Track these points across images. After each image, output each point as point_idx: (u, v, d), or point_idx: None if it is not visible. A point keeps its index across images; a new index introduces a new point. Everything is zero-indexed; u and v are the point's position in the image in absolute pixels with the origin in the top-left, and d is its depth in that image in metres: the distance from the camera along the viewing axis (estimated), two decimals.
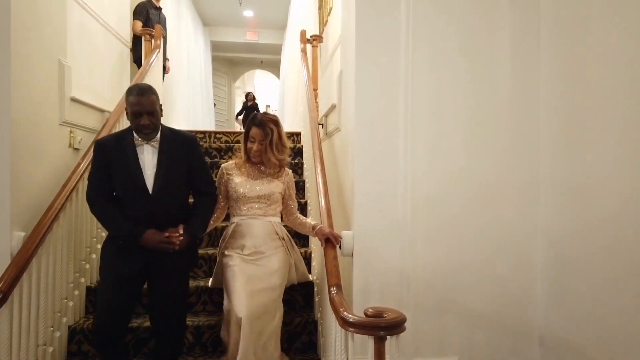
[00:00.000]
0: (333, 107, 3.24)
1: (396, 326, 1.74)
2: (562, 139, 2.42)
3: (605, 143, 2.12)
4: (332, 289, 2.10)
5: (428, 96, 2.49)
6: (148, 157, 2.13)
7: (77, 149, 3.01)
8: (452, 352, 2.51)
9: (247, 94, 11.64)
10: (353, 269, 2.44)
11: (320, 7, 5.39)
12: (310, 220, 2.50)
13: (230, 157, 4.42)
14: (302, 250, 3.25)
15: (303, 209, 3.79)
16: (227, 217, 2.56)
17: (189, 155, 2.23)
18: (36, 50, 2.55)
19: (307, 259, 3.24)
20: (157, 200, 2.12)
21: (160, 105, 2.16)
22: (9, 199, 2.27)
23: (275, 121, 2.36)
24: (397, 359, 1.76)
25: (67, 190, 2.60)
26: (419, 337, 2.48)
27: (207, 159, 4.27)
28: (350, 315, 1.78)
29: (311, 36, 4.78)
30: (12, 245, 2.27)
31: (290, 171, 2.52)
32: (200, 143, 4.54)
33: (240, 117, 11.25)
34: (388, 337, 1.74)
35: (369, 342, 1.73)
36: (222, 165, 2.47)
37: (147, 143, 2.14)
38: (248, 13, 9.36)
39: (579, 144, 2.33)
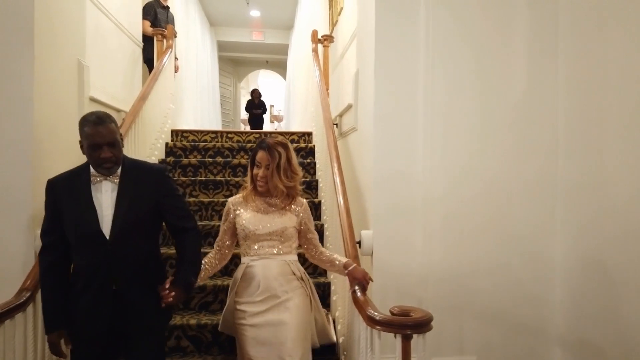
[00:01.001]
0: (349, 107, 3.25)
1: (423, 325, 1.76)
2: (579, 139, 2.43)
3: (623, 141, 2.12)
4: (355, 287, 2.12)
5: (446, 97, 2.50)
6: (106, 196, 1.77)
7: None
8: (470, 351, 2.52)
9: (253, 91, 11.21)
10: (372, 269, 2.46)
11: (331, 7, 5.41)
12: (339, 257, 2.19)
13: (242, 157, 4.44)
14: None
15: (317, 208, 3.80)
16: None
17: (157, 190, 1.84)
18: (57, 51, 2.57)
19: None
20: (117, 247, 1.74)
21: (121, 134, 1.84)
22: (31, 199, 2.29)
23: (284, 144, 2.08)
24: (424, 357, 1.76)
25: None
26: (437, 336, 2.49)
27: (219, 159, 4.30)
28: (377, 314, 1.80)
29: (322, 36, 4.79)
30: (36, 244, 2.29)
31: (305, 201, 2.18)
32: (212, 143, 4.58)
33: (247, 116, 11.05)
34: (414, 335, 1.76)
35: (386, 341, 1.75)
36: (229, 200, 2.17)
37: (106, 179, 1.78)
38: (255, 13, 9.37)
39: (596, 143, 2.34)
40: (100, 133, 1.73)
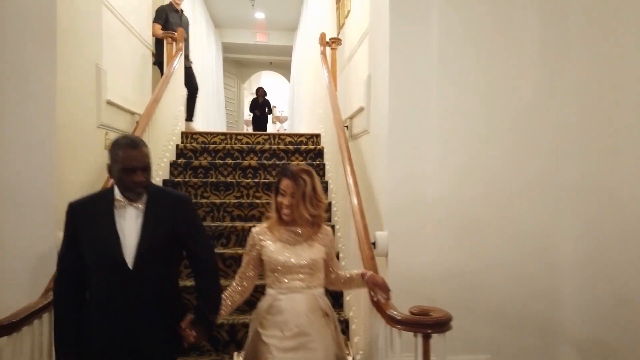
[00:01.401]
0: (360, 109, 3.29)
1: (443, 324, 1.80)
2: (591, 141, 2.48)
3: (635, 144, 2.17)
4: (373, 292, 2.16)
5: (457, 99, 2.55)
6: (130, 222, 1.72)
7: None
8: (482, 350, 2.56)
9: (258, 90, 10.88)
10: (388, 269, 2.50)
11: (338, 9, 5.45)
12: (353, 271, 2.14)
13: (252, 159, 4.49)
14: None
15: (327, 210, 3.85)
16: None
17: (180, 220, 1.79)
18: (77, 55, 2.62)
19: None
20: (139, 277, 1.69)
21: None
22: (53, 201, 2.34)
23: (308, 172, 2.00)
24: (444, 356, 1.81)
25: None
26: (450, 335, 2.53)
27: (229, 160, 4.34)
28: (397, 313, 1.84)
29: (330, 39, 4.83)
30: (59, 245, 2.33)
31: (330, 229, 2.10)
32: (222, 145, 4.63)
33: (251, 117, 10.77)
34: (433, 334, 1.80)
35: (403, 340, 1.79)
36: (253, 230, 2.06)
37: (130, 204, 1.73)
38: (259, 15, 9.42)
39: (608, 146, 2.38)
40: (134, 157, 1.70)
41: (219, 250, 3.35)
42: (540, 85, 2.56)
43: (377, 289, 2.00)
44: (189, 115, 5.78)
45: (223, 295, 1.96)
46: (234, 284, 2.04)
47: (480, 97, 2.54)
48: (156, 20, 4.95)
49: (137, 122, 3.55)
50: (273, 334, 1.88)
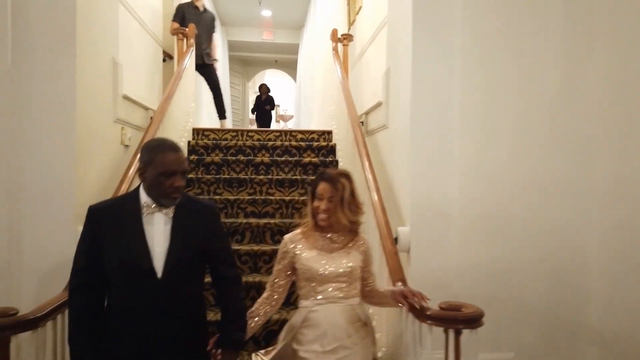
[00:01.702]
0: (378, 104, 3.26)
1: (475, 320, 1.77)
2: (616, 138, 2.44)
3: None
4: (398, 284, 2.14)
5: (482, 94, 2.52)
6: (159, 229, 1.64)
7: (127, 146, 3.06)
8: (507, 347, 2.53)
9: (261, 86, 10.60)
10: (410, 265, 2.47)
11: (348, 5, 5.42)
12: (381, 287, 2.05)
13: (264, 155, 4.46)
14: None
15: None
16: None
17: (208, 229, 1.74)
18: (94, 50, 2.60)
19: None
20: (169, 287, 1.61)
21: None
22: (73, 196, 2.31)
23: (347, 175, 1.93)
24: (476, 353, 1.77)
25: (123, 187, 2.63)
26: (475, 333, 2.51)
27: (242, 157, 4.31)
28: (427, 308, 1.81)
29: (342, 35, 4.80)
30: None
31: (367, 239, 2.01)
32: (234, 142, 4.60)
33: (254, 115, 10.56)
34: (464, 330, 1.77)
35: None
36: (285, 237, 1.98)
37: (160, 211, 1.64)
38: (266, 13, 9.39)
39: (634, 142, 2.34)
40: (178, 160, 1.62)
41: (234, 246, 3.32)
42: (566, 81, 2.53)
43: (414, 297, 1.86)
44: (221, 113, 5.88)
45: (253, 307, 1.89)
46: (265, 294, 1.94)
47: (505, 93, 2.51)
48: (174, 18, 4.98)
49: (151, 117, 3.53)
50: (312, 349, 1.78)
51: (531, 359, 2.53)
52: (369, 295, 1.99)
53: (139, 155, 1.70)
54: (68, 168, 2.28)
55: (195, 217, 1.70)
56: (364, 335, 1.85)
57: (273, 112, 11.29)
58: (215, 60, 5.65)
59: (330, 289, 1.84)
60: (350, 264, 1.86)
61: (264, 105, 10.50)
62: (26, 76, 2.26)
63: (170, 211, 1.65)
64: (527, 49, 2.52)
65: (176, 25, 4.85)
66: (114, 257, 1.58)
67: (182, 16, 5.02)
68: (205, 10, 5.40)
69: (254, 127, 11.19)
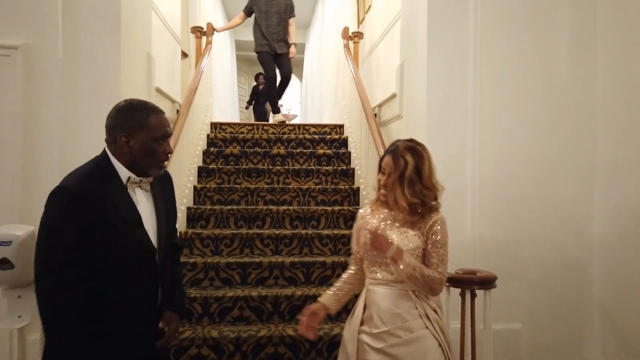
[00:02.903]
0: (392, 96, 3.47)
1: (489, 282, 1.99)
2: (620, 123, 2.65)
3: None
4: None
5: (493, 83, 2.73)
6: (144, 207, 1.47)
7: None
8: (515, 318, 2.74)
9: (257, 76, 9.55)
10: None
11: (358, 3, 5.63)
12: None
13: (279, 148, 4.67)
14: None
15: (355, 194, 4.03)
16: None
17: (172, 198, 1.63)
18: (132, 45, 2.81)
19: None
20: (164, 265, 1.51)
21: None
22: None
23: (415, 150, 1.67)
24: (490, 312, 1.98)
25: None
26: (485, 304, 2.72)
27: (258, 149, 4.52)
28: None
29: (353, 32, 5.01)
30: None
31: (440, 218, 1.70)
32: (250, 135, 4.82)
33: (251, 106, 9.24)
34: (479, 291, 1.98)
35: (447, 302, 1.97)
36: (359, 212, 1.83)
37: (139, 186, 1.47)
38: None
39: (636, 128, 2.55)
40: (167, 122, 1.48)
41: (257, 231, 3.54)
42: (572, 70, 2.74)
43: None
44: (275, 107, 5.53)
45: (338, 282, 1.78)
46: (346, 273, 1.81)
47: (515, 81, 2.72)
48: (243, 9, 5.16)
49: (177, 110, 3.74)
50: (363, 329, 1.67)
51: (537, 329, 2.74)
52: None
53: (110, 122, 1.44)
54: None
55: (163, 187, 1.58)
56: (419, 328, 1.60)
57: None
58: (292, 44, 5.27)
59: (381, 270, 1.68)
60: (406, 244, 1.63)
61: (262, 96, 9.11)
62: (75, 69, 2.48)
63: (148, 185, 1.50)
64: (541, 39, 2.73)
65: (241, 16, 5.12)
66: (112, 243, 1.38)
67: (250, 8, 5.13)
68: None
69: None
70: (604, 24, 2.72)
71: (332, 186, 4.12)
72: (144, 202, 1.47)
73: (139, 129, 1.40)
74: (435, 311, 1.65)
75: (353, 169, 4.31)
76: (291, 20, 5.28)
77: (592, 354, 2.72)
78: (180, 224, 3.44)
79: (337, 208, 3.80)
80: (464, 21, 2.68)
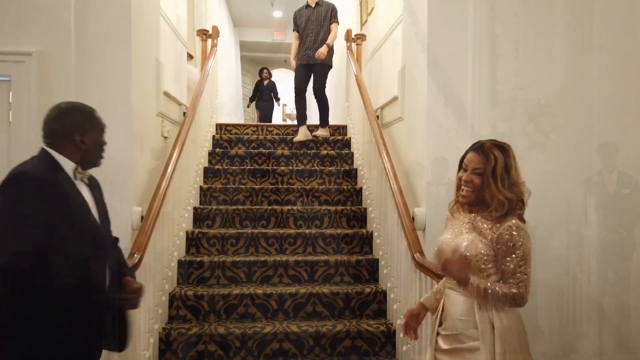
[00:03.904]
0: (394, 99, 3.54)
1: None
2: (612, 128, 2.72)
3: None
4: (416, 255, 2.44)
5: (490, 86, 2.79)
6: (87, 197, 1.58)
7: (166, 137, 3.37)
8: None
9: (261, 70, 9.36)
10: (425, 241, 2.75)
11: (361, 5, 5.70)
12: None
13: (284, 149, 4.76)
14: (367, 257, 3.45)
15: (358, 194, 4.12)
16: None
17: (102, 197, 1.70)
18: (142, 51, 2.90)
19: (373, 266, 3.38)
20: (108, 250, 1.65)
21: None
22: (131, 179, 2.62)
23: (502, 148, 1.63)
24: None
25: (167, 175, 2.92)
26: None
27: (263, 150, 4.61)
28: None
29: (355, 35, 5.09)
30: (132, 218, 2.62)
31: (519, 226, 1.58)
32: (255, 136, 4.91)
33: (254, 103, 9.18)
34: None
35: None
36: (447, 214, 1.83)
37: (81, 179, 1.57)
38: (277, 13, 9.68)
39: (624, 133, 2.63)
40: (104, 123, 1.65)
41: (262, 230, 3.63)
42: (568, 74, 2.80)
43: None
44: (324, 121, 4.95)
45: (434, 288, 1.84)
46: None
47: (512, 86, 2.78)
48: (293, 29, 5.01)
49: (184, 112, 3.84)
50: (439, 330, 1.68)
51: (533, 328, 2.81)
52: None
53: (59, 125, 1.54)
54: (127, 157, 2.57)
55: (94, 180, 1.67)
56: (477, 337, 1.53)
57: (278, 108, 10.53)
58: (326, 44, 4.76)
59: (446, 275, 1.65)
60: (467, 253, 1.56)
61: (266, 92, 9.03)
62: (87, 75, 2.57)
63: (87, 177, 1.61)
64: (540, 41, 2.79)
65: (296, 35, 4.92)
66: (70, 229, 1.45)
67: (295, 23, 4.99)
68: (319, 4, 4.89)
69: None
70: (599, 31, 2.78)
71: (336, 186, 4.20)
72: (86, 194, 1.58)
73: (90, 128, 1.58)
74: (492, 319, 1.53)
75: (356, 170, 4.39)
76: (332, 26, 4.88)
77: (588, 353, 2.79)
78: (187, 224, 3.53)
79: (340, 208, 3.89)
80: (464, 25, 2.75)
